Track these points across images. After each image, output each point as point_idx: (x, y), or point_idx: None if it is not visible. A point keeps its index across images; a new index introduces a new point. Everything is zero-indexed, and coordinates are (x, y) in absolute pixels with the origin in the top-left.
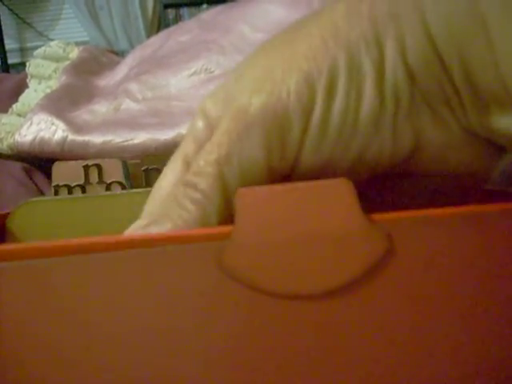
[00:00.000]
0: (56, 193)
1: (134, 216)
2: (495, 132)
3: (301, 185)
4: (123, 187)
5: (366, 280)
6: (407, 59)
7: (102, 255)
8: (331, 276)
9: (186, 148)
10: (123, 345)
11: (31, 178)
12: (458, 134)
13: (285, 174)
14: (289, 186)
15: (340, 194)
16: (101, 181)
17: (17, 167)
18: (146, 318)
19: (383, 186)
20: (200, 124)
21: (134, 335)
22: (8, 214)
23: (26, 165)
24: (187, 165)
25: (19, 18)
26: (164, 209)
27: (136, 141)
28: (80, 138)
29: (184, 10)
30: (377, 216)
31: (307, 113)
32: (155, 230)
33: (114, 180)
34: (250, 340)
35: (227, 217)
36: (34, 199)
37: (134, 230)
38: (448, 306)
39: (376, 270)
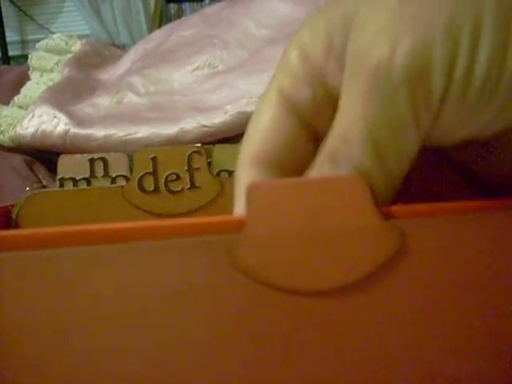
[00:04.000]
0: (61, 185)
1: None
2: None
3: (314, 179)
4: (128, 180)
5: (378, 277)
6: None
7: (109, 247)
8: (343, 272)
9: (281, 81)
10: (130, 337)
11: (32, 171)
12: None
13: (428, 129)
14: (301, 179)
15: (353, 189)
16: (106, 174)
17: (18, 160)
18: (155, 310)
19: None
20: (295, 55)
21: (141, 328)
22: (13, 205)
23: (27, 157)
24: (284, 98)
25: (20, 10)
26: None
27: (139, 135)
28: (82, 132)
29: (186, 5)
30: (390, 211)
31: (451, 64)
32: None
33: (119, 173)
34: (260, 335)
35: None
36: (40, 191)
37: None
38: (461, 303)
39: (388, 267)
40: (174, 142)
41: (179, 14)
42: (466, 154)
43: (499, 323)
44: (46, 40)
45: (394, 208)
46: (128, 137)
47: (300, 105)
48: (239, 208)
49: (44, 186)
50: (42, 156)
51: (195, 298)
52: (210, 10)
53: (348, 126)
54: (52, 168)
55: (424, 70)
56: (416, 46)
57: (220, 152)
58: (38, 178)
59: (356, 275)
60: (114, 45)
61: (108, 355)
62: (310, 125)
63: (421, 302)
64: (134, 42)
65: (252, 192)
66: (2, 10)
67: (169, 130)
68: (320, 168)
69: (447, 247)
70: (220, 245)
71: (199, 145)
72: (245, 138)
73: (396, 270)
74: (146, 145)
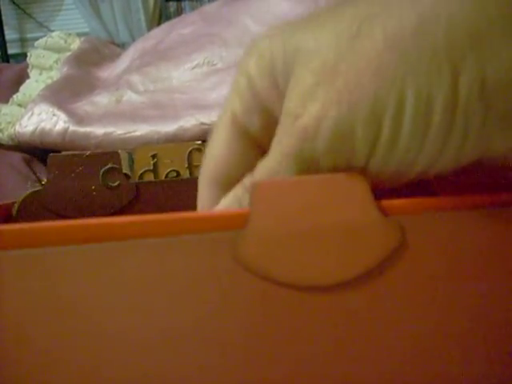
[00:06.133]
0: None
1: None
2: None
3: (315, 177)
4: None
5: (379, 272)
6: (485, 88)
7: (112, 244)
8: (345, 268)
9: (234, 105)
10: (135, 335)
11: (31, 169)
12: None
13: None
14: (303, 178)
15: (354, 187)
16: None
17: (17, 158)
18: (160, 308)
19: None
20: (243, 83)
21: (147, 327)
22: (13, 203)
23: (26, 155)
24: (236, 123)
25: (20, 8)
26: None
27: (138, 133)
28: (81, 130)
29: (185, 3)
30: (389, 207)
31: (373, 142)
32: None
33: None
34: (264, 330)
35: None
36: (39, 188)
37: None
38: (461, 296)
39: (389, 263)
40: (174, 139)
41: (179, 12)
42: None
43: (501, 319)
44: (44, 38)
45: (394, 204)
46: (127, 135)
47: (250, 130)
48: None
49: (43, 184)
50: (41, 154)
51: (200, 294)
52: (209, 8)
53: (261, 176)
54: None
55: (346, 145)
56: (340, 122)
57: None
58: (37, 176)
59: (358, 271)
60: (113, 43)
61: (111, 352)
62: (261, 145)
63: (421, 296)
64: (133, 40)
65: (256, 190)
66: (2, 8)
67: (168, 127)
68: (235, 194)
69: (446, 242)
70: (223, 240)
71: (199, 142)
72: (203, 157)
73: (397, 265)
74: (145, 143)
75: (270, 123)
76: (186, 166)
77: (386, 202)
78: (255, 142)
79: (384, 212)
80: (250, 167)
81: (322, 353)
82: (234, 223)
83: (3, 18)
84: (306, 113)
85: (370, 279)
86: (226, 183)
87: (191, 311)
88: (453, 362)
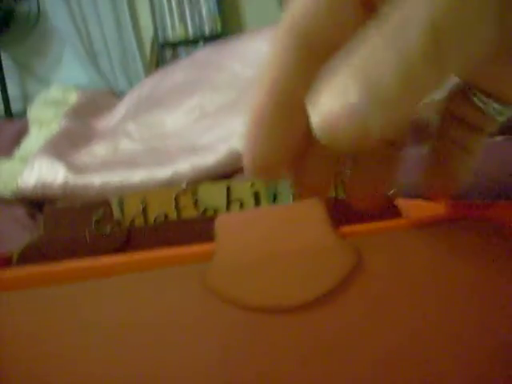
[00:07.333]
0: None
1: None
2: None
3: (275, 208)
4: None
5: (338, 292)
6: None
7: (92, 283)
8: (306, 289)
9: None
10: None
11: (34, 220)
12: None
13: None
14: (264, 209)
15: (312, 213)
16: None
17: (21, 211)
18: (137, 340)
19: None
20: None
21: (126, 359)
22: (13, 253)
23: (29, 209)
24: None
25: (21, 65)
26: None
27: (134, 180)
28: (80, 180)
29: (181, 49)
30: (347, 231)
31: None
32: None
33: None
34: (235, 353)
35: None
36: (39, 237)
37: None
38: (416, 315)
39: (347, 283)
40: (170, 184)
41: (175, 58)
42: None
43: (455, 330)
44: (43, 94)
45: (349, 228)
46: (124, 182)
47: None
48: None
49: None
50: (43, 205)
51: (174, 323)
52: (199, 55)
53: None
54: None
55: None
56: None
57: (205, 191)
58: (40, 227)
59: (319, 291)
60: (112, 92)
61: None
62: None
63: (380, 314)
64: (132, 87)
65: (219, 224)
66: (3, 64)
67: (163, 172)
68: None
69: (399, 260)
70: (193, 273)
71: (184, 185)
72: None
73: (355, 284)
74: (142, 189)
75: None
76: (174, 208)
77: (342, 227)
78: None
79: (341, 235)
80: (344, 18)
81: (288, 371)
82: (202, 257)
83: (5, 74)
84: None
85: (331, 299)
86: (310, 36)
87: (167, 340)
88: (415, 376)
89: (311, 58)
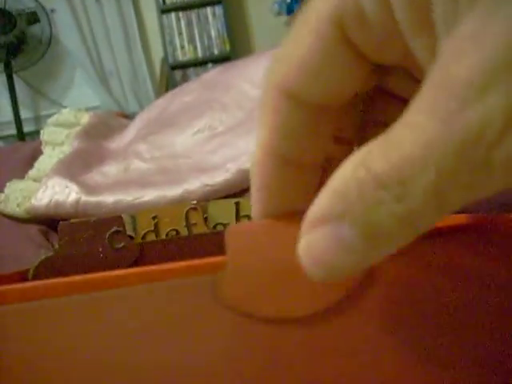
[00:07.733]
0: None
1: None
2: None
3: (284, 217)
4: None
5: (349, 302)
6: None
7: (108, 292)
8: (316, 300)
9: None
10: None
11: (48, 239)
12: None
13: None
14: (273, 220)
15: None
16: None
17: (34, 230)
18: (150, 347)
19: None
20: None
21: (135, 369)
22: (29, 269)
23: (42, 227)
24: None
25: (33, 88)
26: None
27: (146, 198)
28: (93, 199)
29: (191, 71)
30: None
31: None
32: None
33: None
34: (245, 362)
35: None
36: (53, 254)
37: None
38: (426, 329)
39: (358, 293)
40: (180, 202)
41: (184, 79)
42: None
43: (466, 350)
44: (56, 115)
45: None
46: (136, 201)
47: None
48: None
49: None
50: (56, 224)
51: (185, 332)
52: (208, 75)
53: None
54: None
55: None
56: None
57: (215, 207)
58: (53, 246)
59: (327, 302)
60: (123, 114)
61: None
62: (364, 55)
63: (388, 326)
64: (142, 109)
65: (230, 235)
66: (16, 88)
67: (174, 191)
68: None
69: (410, 271)
70: (204, 284)
71: (195, 202)
72: (272, 61)
73: (363, 295)
74: (153, 207)
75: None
76: (184, 224)
77: None
78: (359, 50)
79: None
80: (346, 82)
81: (299, 382)
82: (214, 268)
83: (18, 97)
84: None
85: (342, 309)
86: (306, 94)
87: (178, 350)
88: None
89: (281, 175)
